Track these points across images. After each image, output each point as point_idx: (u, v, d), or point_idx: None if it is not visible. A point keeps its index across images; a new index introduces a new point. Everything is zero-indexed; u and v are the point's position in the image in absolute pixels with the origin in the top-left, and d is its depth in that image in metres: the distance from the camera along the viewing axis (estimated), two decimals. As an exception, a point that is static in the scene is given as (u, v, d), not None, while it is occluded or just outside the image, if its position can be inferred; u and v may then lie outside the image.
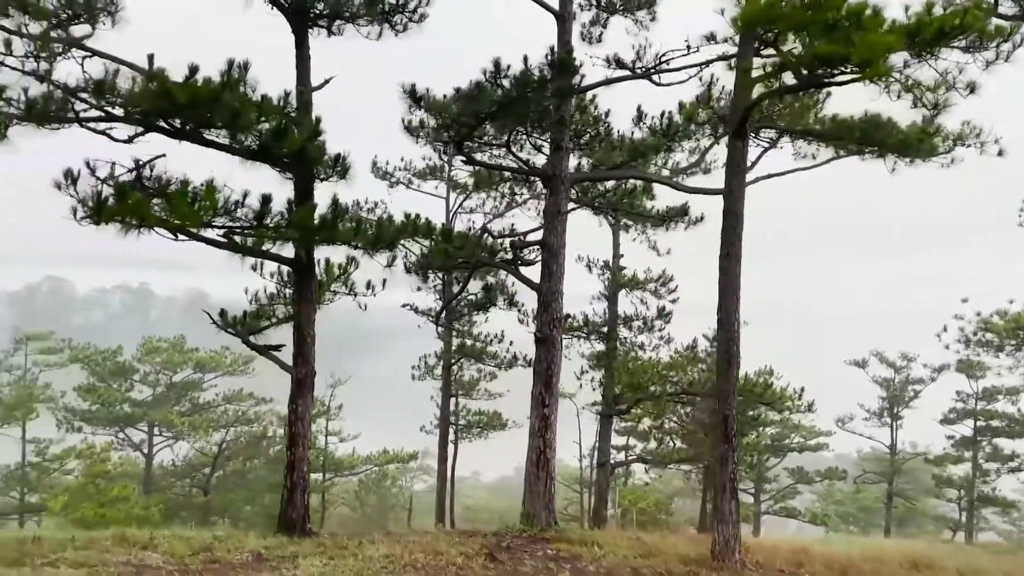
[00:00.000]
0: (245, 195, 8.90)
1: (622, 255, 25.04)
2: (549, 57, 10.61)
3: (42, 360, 39.64)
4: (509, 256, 14.29)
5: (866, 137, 10.75)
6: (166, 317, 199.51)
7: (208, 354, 41.95)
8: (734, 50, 12.70)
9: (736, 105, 10.76)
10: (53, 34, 8.77)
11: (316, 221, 9.08)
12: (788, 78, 10.88)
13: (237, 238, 10.19)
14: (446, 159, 25.51)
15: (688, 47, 12.20)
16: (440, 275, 26.04)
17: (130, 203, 7.69)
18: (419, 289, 26.81)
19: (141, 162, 8.79)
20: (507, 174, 18.17)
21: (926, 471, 48.25)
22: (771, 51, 9.96)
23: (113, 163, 8.69)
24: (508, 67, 10.55)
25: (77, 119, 8.28)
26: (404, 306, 24.05)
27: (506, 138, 12.87)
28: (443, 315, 19.18)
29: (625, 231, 22.24)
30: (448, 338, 25.72)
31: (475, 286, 26.74)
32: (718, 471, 10.91)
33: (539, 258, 14.12)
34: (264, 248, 10.30)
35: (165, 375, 41.35)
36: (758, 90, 10.21)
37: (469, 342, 25.82)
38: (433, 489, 60.85)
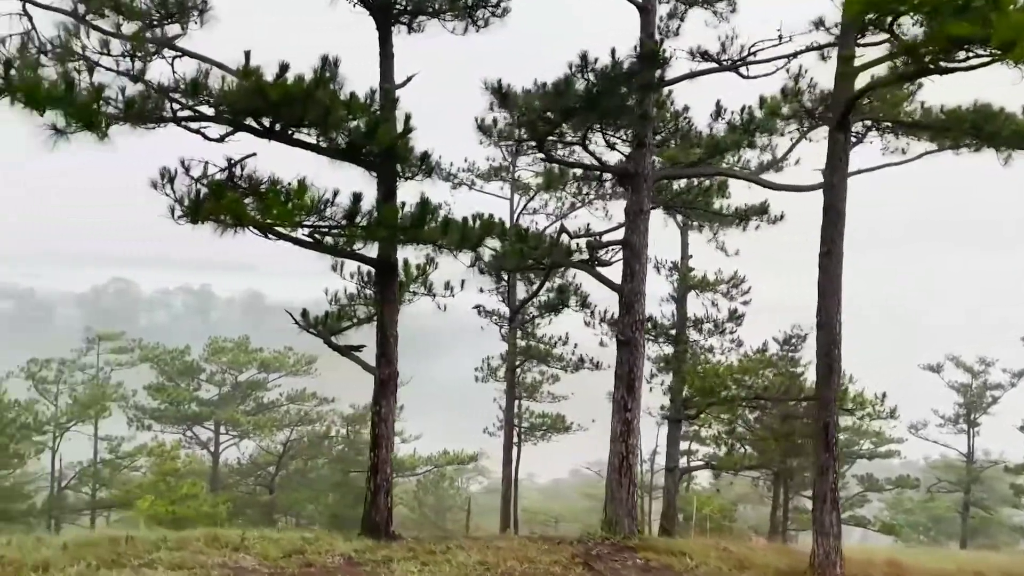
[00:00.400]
0: (335, 193, 8.78)
1: (691, 255, 24.48)
2: (638, 49, 10.27)
3: (113, 359, 40.69)
4: (585, 256, 13.96)
5: (976, 128, 10.11)
6: (226, 318, 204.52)
7: (272, 354, 42.68)
8: (827, 39, 12.22)
9: (838, 96, 10.24)
10: (146, 34, 8.76)
11: (404, 220, 8.89)
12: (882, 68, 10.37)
13: (323, 237, 10.09)
14: (509, 160, 25.37)
15: (780, 36, 11.70)
16: (506, 277, 25.85)
17: (226, 202, 7.61)
18: (482, 290, 26.80)
19: (233, 161, 8.73)
20: (576, 173, 17.84)
21: (1003, 480, 46.24)
22: (876, 38, 9.43)
23: (206, 162, 8.65)
24: (596, 60, 10.24)
25: (175, 118, 8.25)
26: (475, 308, 23.88)
27: (581, 135, 12.56)
28: (516, 317, 18.89)
29: (699, 231, 21.67)
30: (512, 340, 25.47)
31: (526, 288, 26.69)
32: (817, 481, 10.40)
33: (615, 258, 13.78)
34: (349, 248, 10.15)
35: (231, 375, 42.16)
36: (861, 80, 9.67)
37: (534, 344, 25.53)
38: (488, 490, 60.84)
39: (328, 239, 10.24)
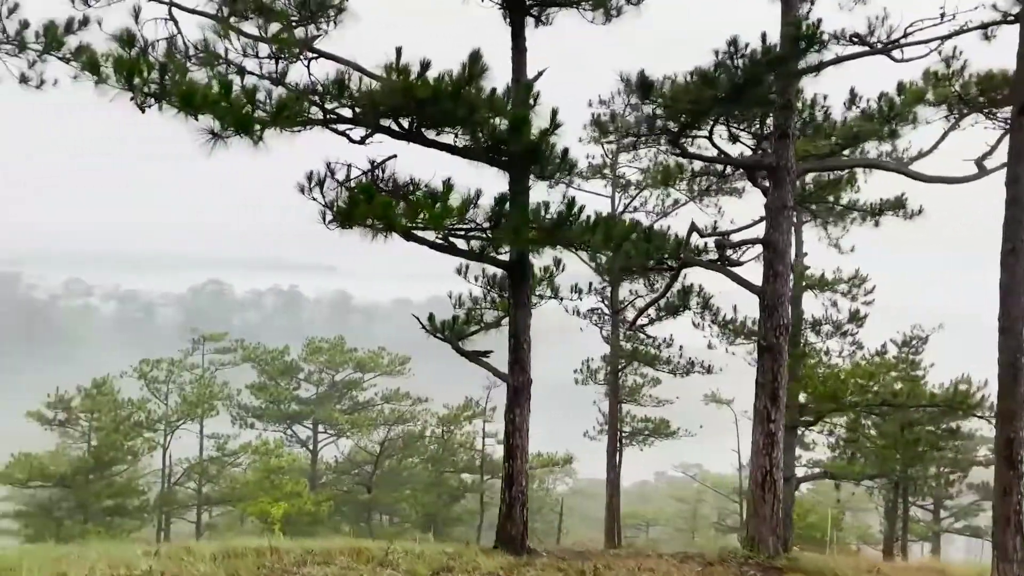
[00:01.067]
0: (478, 195, 8.37)
1: (805, 253, 23.25)
2: (793, 31, 9.50)
3: (217, 359, 41.87)
4: (714, 256, 13.20)
5: None
6: (314, 317, 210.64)
7: (366, 354, 43.24)
8: (991, 16, 11.13)
9: (1022, 78, 9.23)
10: (286, 36, 8.56)
11: (549, 221, 8.41)
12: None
13: (457, 240, 9.74)
14: (611, 157, 24.72)
15: (942, 14, 10.69)
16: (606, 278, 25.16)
17: (377, 206, 7.29)
18: (580, 293, 26.16)
19: (376, 163, 8.43)
20: (693, 168, 17.03)
21: None
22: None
23: (349, 165, 8.39)
24: (746, 45, 9.52)
25: (324, 120, 8.01)
26: (592, 311, 23.30)
27: (709, 128, 11.84)
28: (620, 317, 18.22)
29: (822, 227, 20.49)
30: (615, 342, 24.80)
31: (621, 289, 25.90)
32: (998, 502, 9.40)
33: (743, 258, 13.00)
34: (486, 250, 9.76)
35: (327, 374, 42.91)
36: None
37: (638, 346, 24.78)
38: (574, 492, 59.95)
39: (461, 241, 9.91)
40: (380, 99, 7.76)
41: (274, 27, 8.87)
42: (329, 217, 7.67)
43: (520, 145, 8.19)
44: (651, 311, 17.31)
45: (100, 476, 32.09)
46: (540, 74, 10.60)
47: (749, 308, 22.34)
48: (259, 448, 33.89)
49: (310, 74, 9.13)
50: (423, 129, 8.96)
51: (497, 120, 8.19)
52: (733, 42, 9.48)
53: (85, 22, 10.28)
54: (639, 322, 18.62)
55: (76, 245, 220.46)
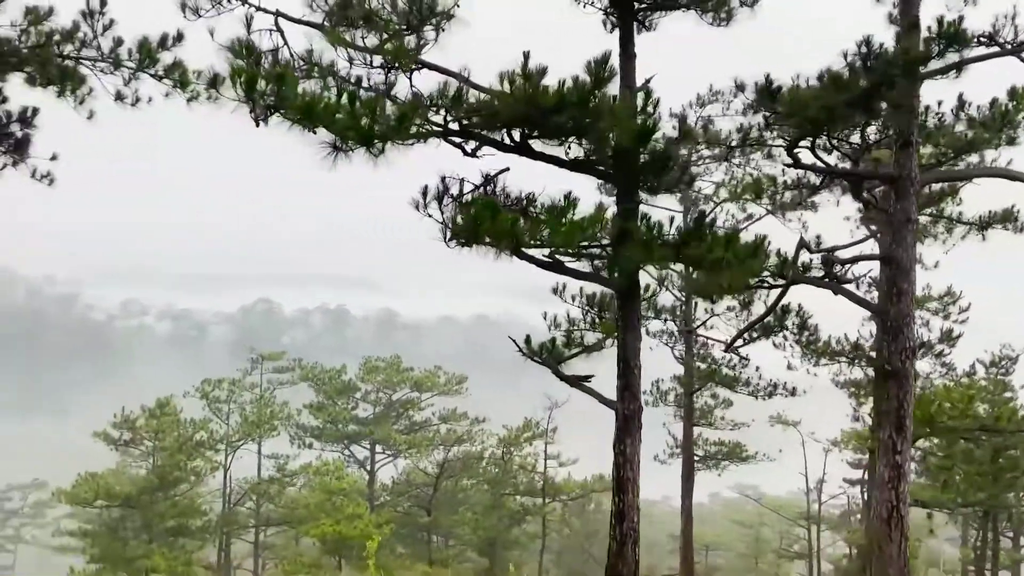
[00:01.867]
0: (602, 210, 7.78)
1: (870, 270, 22.14)
2: (936, 28, 8.76)
3: (275, 379, 41.91)
4: (819, 273, 12.38)
5: None
6: (361, 335, 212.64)
7: (423, 373, 42.89)
8: None
9: None
10: (396, 45, 8.11)
11: (676, 237, 7.76)
12: None
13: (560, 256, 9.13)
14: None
15: (1091, 10, 9.82)
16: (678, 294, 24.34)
17: (503, 222, 6.74)
18: (654, 313, 25.42)
19: (489, 176, 7.90)
20: (785, 180, 16.21)
21: None
22: None
23: (462, 179, 7.87)
24: (881, 46, 8.80)
25: (444, 132, 7.51)
26: (664, 331, 22.57)
27: (825, 138, 11.08)
28: (736, 341, 17.31)
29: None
30: (689, 363, 23.94)
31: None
32: None
33: (851, 275, 12.18)
34: (595, 269, 9.14)
35: (384, 393, 42.65)
36: None
37: (716, 367, 23.88)
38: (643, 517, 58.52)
39: (563, 257, 9.32)
40: (501, 108, 7.23)
41: (377, 37, 8.42)
42: (448, 235, 7.14)
43: (648, 155, 7.56)
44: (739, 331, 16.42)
45: (164, 496, 32.15)
46: (648, 81, 10.02)
47: (829, 327, 21.36)
48: (320, 469, 33.62)
49: (412, 85, 8.70)
50: (533, 140, 8.44)
51: (619, 129, 7.58)
52: (866, 42, 8.76)
53: (180, 38, 10.05)
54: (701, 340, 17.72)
55: (130, 263, 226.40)
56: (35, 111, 9.90)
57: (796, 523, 46.31)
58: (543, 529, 36.08)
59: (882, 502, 10.80)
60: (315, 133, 6.63)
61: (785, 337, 19.99)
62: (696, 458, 26.89)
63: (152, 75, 10.23)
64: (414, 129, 6.85)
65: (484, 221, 6.75)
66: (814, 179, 15.65)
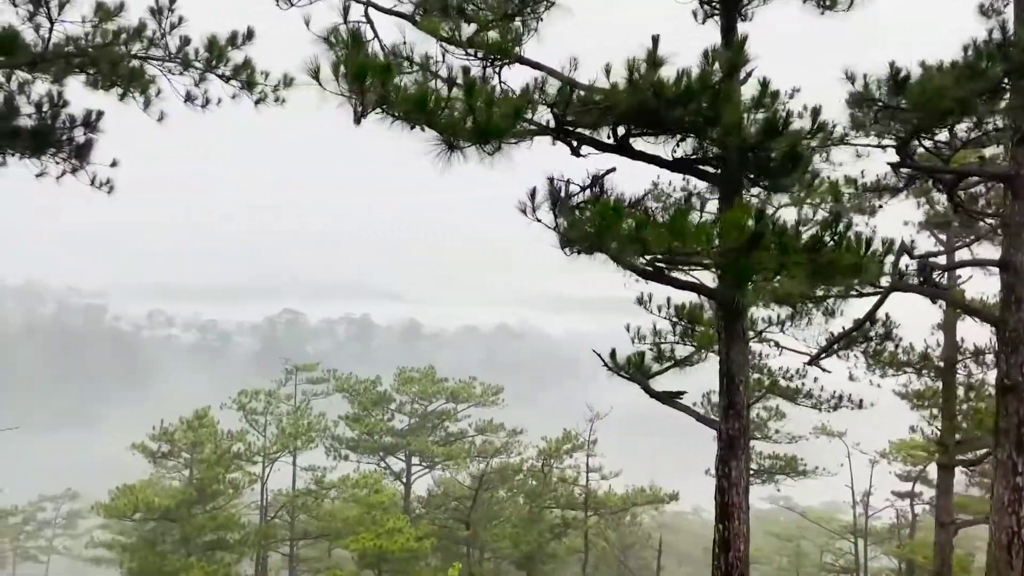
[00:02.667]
0: (743, 210, 7.08)
1: (959, 276, 21.16)
2: None
3: (308, 390, 41.49)
4: (915, 280, 11.59)
5: None
6: (385, 345, 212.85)
7: (458, 384, 42.28)
8: None
9: None
10: (495, 37, 7.50)
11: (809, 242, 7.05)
12: None
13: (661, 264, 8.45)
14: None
15: None
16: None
17: (629, 229, 6.09)
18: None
19: (597, 176, 7.25)
20: (865, 181, 15.38)
21: None
22: None
23: (567, 180, 7.22)
24: (1014, 34, 8.05)
25: (559, 129, 6.88)
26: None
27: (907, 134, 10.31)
28: (823, 354, 16.40)
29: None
30: (745, 374, 23.01)
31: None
32: None
33: (942, 282, 11.36)
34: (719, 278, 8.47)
35: (420, 404, 42.08)
36: None
37: (777, 379, 22.99)
38: (661, 526, 57.33)
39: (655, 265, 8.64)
40: (617, 102, 6.58)
41: (471, 28, 7.81)
42: (564, 242, 6.50)
43: (778, 152, 6.87)
44: (810, 341, 15.64)
45: (203, 509, 31.76)
46: (749, 74, 9.35)
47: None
48: (359, 482, 33.05)
49: (501, 81, 8.09)
50: (636, 139, 7.78)
51: (748, 123, 6.90)
52: (1001, 28, 8.02)
53: (250, 36, 9.54)
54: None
55: (156, 274, 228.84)
56: (99, 114, 9.42)
57: (842, 536, 45.02)
58: (585, 543, 35.22)
59: (1001, 528, 9.97)
60: (423, 130, 6.02)
61: (860, 348, 19.19)
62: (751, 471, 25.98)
63: (220, 76, 9.73)
64: (524, 126, 6.21)
65: (610, 225, 6.09)
66: (893, 180, 14.89)
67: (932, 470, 40.23)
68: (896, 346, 17.44)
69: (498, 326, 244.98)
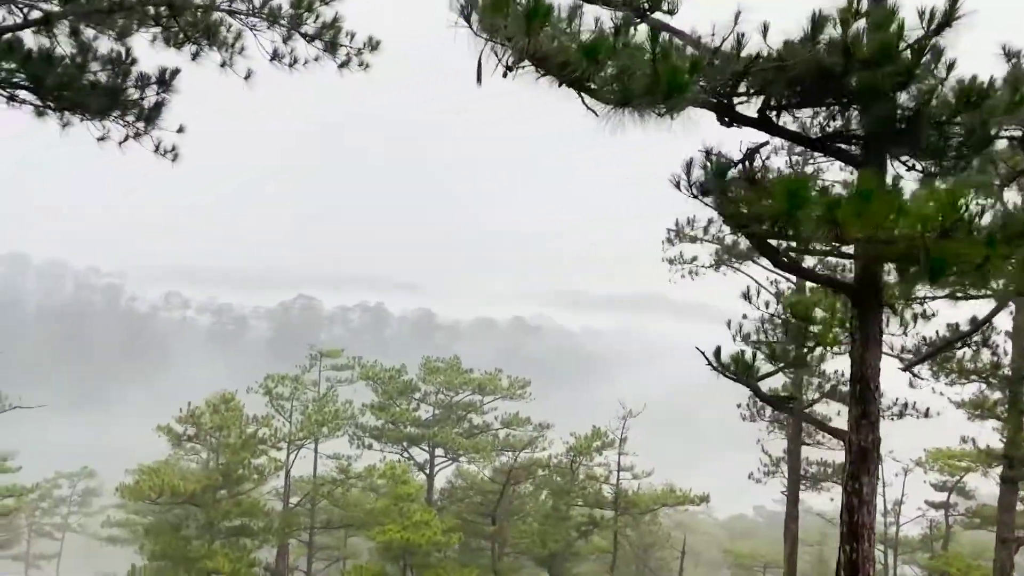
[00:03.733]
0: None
1: None
2: None
3: (332, 376, 40.84)
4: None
5: None
6: (399, 334, 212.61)
7: (484, 376, 41.53)
8: None
9: None
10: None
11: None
12: None
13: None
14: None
15: None
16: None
17: (822, 206, 5.23)
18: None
19: (752, 148, 6.38)
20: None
21: None
22: None
23: (718, 152, 6.35)
24: None
25: (721, 101, 6.02)
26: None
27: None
28: (926, 359, 15.40)
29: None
30: (800, 377, 22.16)
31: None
32: None
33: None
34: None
35: (445, 395, 41.37)
36: None
37: (836, 384, 22.09)
38: (678, 525, 56.41)
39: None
40: (795, 61, 5.70)
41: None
42: (727, 219, 5.66)
43: (967, 127, 5.97)
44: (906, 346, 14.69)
45: (228, 494, 31.17)
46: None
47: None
48: (387, 472, 32.34)
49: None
50: (783, 111, 6.91)
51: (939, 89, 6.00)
52: None
53: (341, -11, 8.71)
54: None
55: (174, 259, 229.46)
56: (175, 72, 8.61)
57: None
58: (614, 543, 34.44)
59: None
60: (588, 88, 5.18)
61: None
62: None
63: (303, 35, 8.91)
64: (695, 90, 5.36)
65: (802, 204, 5.24)
66: None
67: (971, 480, 39.19)
68: (992, 354, 16.44)
69: (513, 319, 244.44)
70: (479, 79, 5.89)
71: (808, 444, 24.13)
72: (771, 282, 23.50)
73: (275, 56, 8.71)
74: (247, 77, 8.72)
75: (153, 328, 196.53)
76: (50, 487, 61.92)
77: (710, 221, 23.48)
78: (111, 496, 59.08)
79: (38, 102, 9.23)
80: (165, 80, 8.56)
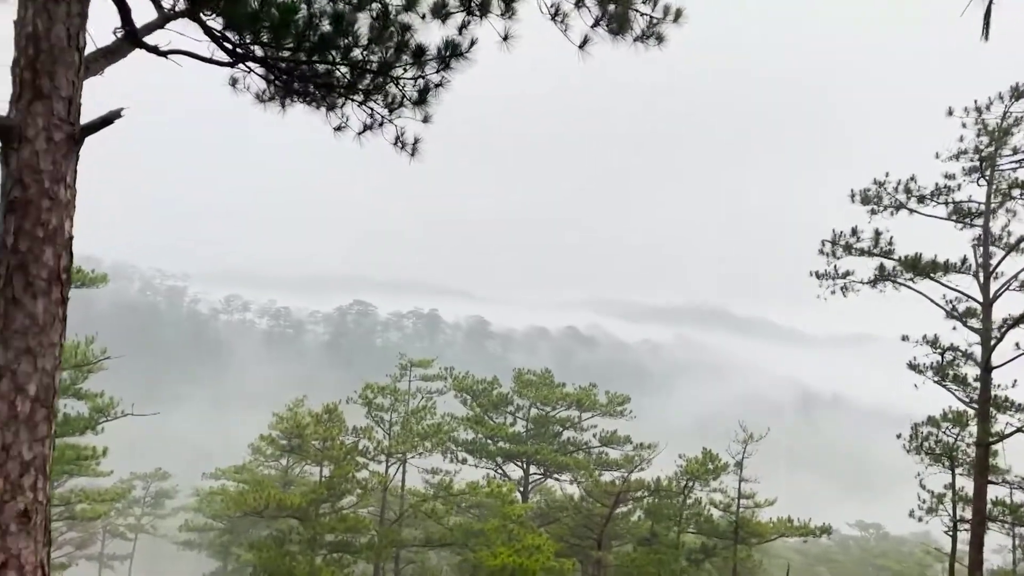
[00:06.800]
0: None
1: None
2: None
3: (423, 387, 39.49)
4: None
5: None
6: (452, 341, 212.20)
7: (578, 390, 39.85)
8: None
9: None
10: None
11: None
12: None
13: None
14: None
15: None
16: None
17: None
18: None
19: None
20: None
21: None
22: None
23: None
24: None
25: None
26: (951, 348, 18.93)
27: None
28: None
29: None
30: (985, 409, 19.94)
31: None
32: None
33: None
34: None
35: (539, 410, 39.79)
36: None
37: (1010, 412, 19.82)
38: (761, 552, 53.59)
39: None
40: None
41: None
42: None
43: None
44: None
45: (331, 508, 29.97)
46: None
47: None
48: (493, 490, 30.77)
49: None
50: None
51: None
52: None
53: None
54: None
55: (236, 261, 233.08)
56: (471, 43, 7.14)
57: (936, 559, 41.00)
58: (734, 572, 32.27)
59: None
60: None
61: None
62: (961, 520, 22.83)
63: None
64: None
65: None
66: None
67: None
68: None
69: (566, 328, 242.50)
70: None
71: (993, 482, 21.80)
72: (947, 301, 21.41)
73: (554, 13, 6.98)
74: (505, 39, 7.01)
75: (214, 330, 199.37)
76: (126, 488, 62.08)
77: (877, 233, 21.54)
78: (182, 496, 58.77)
79: (268, 78, 7.87)
80: (455, 55, 7.07)
